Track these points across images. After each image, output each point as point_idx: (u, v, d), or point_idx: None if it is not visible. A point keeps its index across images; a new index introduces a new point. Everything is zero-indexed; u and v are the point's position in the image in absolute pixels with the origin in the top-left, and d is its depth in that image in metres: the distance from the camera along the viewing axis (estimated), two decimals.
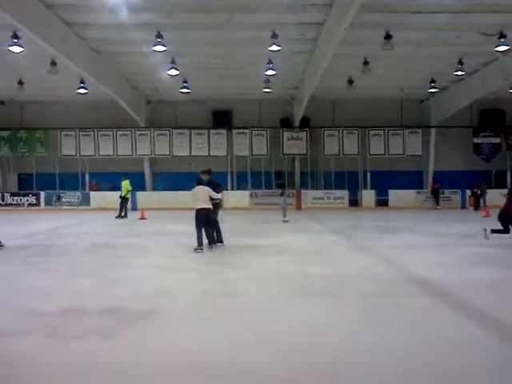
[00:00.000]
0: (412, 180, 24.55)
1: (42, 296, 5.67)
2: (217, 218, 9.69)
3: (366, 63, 16.14)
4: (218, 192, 9.40)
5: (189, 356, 3.72)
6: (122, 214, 17.65)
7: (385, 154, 24.24)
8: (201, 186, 9.21)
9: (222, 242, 9.60)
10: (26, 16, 11.82)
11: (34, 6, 12.09)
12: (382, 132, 24.19)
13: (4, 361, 3.66)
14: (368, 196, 23.91)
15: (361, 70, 16.37)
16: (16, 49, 13.51)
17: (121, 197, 18.06)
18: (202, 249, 9.00)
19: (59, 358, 3.67)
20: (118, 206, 17.93)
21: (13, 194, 23.69)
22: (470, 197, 22.73)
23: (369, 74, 16.38)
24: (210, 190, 9.15)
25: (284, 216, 15.67)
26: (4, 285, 6.39)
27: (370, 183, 24.47)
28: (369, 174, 24.52)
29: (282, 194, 16.68)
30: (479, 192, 21.99)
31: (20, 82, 19.25)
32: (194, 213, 9.14)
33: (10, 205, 22.65)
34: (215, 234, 9.54)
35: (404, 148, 24.20)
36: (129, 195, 18.49)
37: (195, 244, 9.04)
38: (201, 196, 9.09)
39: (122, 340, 4.07)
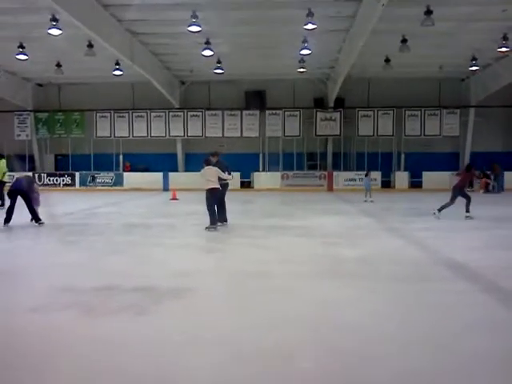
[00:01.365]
0: (448, 161, 23.84)
1: (77, 273, 5.85)
2: (224, 198, 9.95)
3: (404, 41, 15.64)
4: (226, 173, 9.58)
5: (216, 333, 3.78)
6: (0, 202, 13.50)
7: (421, 135, 23.60)
8: (210, 167, 9.34)
9: (226, 220, 9.93)
10: None
11: None
12: (418, 112, 23.52)
13: (38, 335, 3.79)
14: (401, 178, 23.47)
15: (399, 47, 15.87)
16: (55, 31, 13.76)
17: None
18: (215, 227, 9.18)
19: (92, 334, 3.78)
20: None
21: (49, 175, 24.47)
22: (479, 178, 21.93)
23: (407, 52, 15.86)
24: (218, 170, 9.31)
25: (369, 196, 15.88)
26: (41, 262, 6.64)
27: (404, 165, 23.94)
28: (403, 156, 23.96)
29: (366, 175, 16.88)
30: (492, 173, 21.14)
31: (58, 65, 19.69)
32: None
33: (47, 185, 23.35)
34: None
35: (441, 129, 23.47)
36: (6, 178, 14.11)
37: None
38: (211, 176, 9.22)
39: (153, 317, 4.17)
